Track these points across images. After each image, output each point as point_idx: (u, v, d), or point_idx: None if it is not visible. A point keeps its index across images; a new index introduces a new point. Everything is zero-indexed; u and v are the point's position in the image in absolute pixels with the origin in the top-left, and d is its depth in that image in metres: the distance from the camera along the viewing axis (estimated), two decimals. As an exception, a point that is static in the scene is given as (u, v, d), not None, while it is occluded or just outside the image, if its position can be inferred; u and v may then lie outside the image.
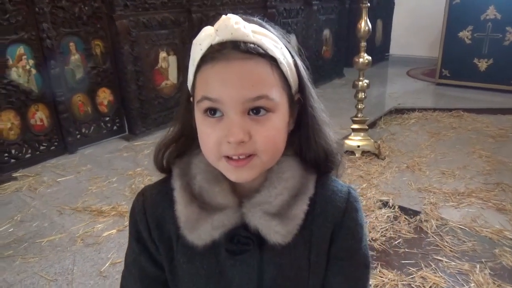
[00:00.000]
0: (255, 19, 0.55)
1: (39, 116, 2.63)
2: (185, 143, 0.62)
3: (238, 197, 0.58)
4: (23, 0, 2.42)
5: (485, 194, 2.15)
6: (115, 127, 3.12)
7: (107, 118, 3.06)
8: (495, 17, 3.98)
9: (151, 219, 0.61)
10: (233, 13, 0.52)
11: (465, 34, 4.20)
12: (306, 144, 0.59)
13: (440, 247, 1.73)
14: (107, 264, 1.66)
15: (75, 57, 2.77)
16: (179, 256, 0.60)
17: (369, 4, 2.51)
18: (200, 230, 0.56)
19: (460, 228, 1.85)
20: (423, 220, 1.91)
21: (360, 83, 2.61)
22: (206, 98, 0.51)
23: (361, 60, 2.55)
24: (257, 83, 0.50)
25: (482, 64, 4.18)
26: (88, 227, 1.92)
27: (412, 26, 5.82)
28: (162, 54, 3.21)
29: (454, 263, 1.62)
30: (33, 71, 2.55)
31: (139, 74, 3.04)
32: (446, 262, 1.63)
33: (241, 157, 0.52)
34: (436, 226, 1.87)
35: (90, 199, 2.18)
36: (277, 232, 0.55)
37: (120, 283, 0.68)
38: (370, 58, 2.57)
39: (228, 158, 0.53)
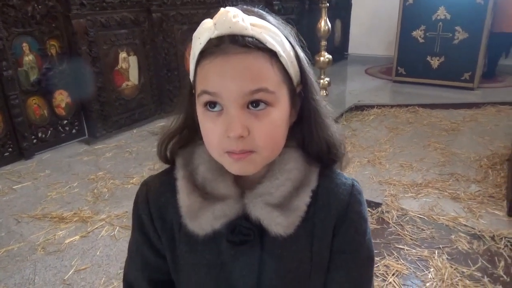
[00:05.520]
0: (255, 10, 0.54)
1: (-9, 120, 2.49)
2: (189, 135, 0.61)
3: (240, 188, 0.57)
4: (-31, -2, 2.29)
5: (440, 184, 2.27)
6: (74, 131, 3.01)
7: (65, 121, 2.94)
8: (445, 17, 4.20)
9: (153, 209, 0.61)
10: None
11: (418, 34, 4.39)
12: (308, 137, 0.59)
13: (401, 236, 1.81)
14: (71, 272, 1.60)
15: (29, 58, 2.65)
16: (181, 245, 0.60)
17: (328, 5, 2.58)
18: (202, 219, 0.55)
19: (419, 217, 1.94)
20: (384, 212, 2.00)
21: (322, 81, 2.67)
22: (205, 92, 0.51)
23: (322, 58, 2.62)
24: (256, 77, 0.50)
25: (435, 62, 4.40)
26: (48, 235, 1.84)
27: (369, 26, 6.01)
28: (122, 55, 3.13)
29: (414, 251, 1.71)
30: (-17, 73, 2.41)
31: (98, 75, 2.95)
32: (407, 250, 1.71)
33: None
34: (397, 216, 1.95)
35: (50, 206, 2.09)
36: (278, 224, 0.54)
37: (123, 271, 0.68)
38: (330, 56, 2.65)
39: (230, 152, 0.53)
